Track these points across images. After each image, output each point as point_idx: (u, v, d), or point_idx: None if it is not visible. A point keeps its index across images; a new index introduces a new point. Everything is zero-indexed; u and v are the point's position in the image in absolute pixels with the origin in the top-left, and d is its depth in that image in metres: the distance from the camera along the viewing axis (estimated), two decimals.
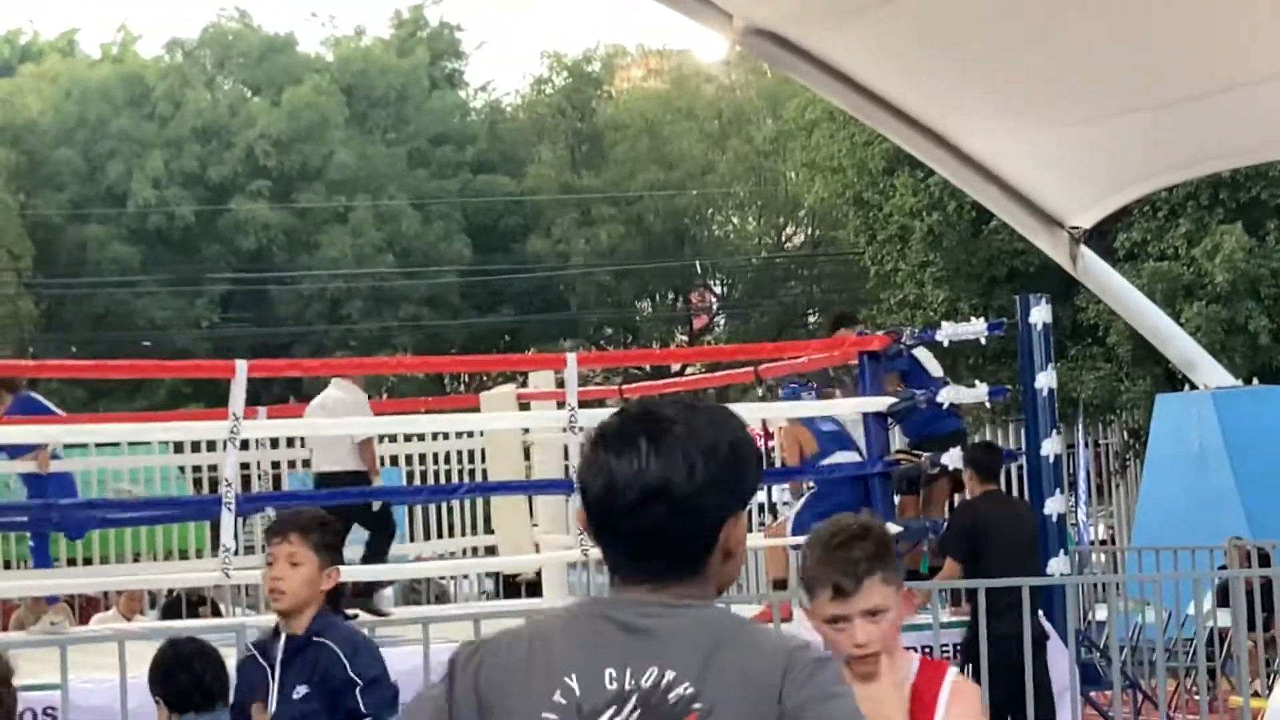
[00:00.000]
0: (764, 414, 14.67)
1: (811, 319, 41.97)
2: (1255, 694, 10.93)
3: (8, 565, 15.07)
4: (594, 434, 2.79)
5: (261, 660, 5.91)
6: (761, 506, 22.73)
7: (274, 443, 15.78)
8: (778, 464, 14.32)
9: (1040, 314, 11.65)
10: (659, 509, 2.69)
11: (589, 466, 2.77)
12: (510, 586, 19.95)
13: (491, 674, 2.73)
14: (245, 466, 14.08)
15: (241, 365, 11.04)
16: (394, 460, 19.56)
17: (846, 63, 16.16)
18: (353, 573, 14.82)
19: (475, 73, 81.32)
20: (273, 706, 5.81)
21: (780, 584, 12.45)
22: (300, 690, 5.80)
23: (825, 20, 15.41)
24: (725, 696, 2.63)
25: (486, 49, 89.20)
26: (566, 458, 13.01)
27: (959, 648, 10.76)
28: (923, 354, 12.91)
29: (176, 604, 18.34)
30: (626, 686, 2.66)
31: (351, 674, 5.85)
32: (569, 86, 44.34)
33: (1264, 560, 13.83)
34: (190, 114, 40.43)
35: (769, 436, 16.81)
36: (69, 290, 39.52)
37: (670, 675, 2.64)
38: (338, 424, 12.52)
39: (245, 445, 12.03)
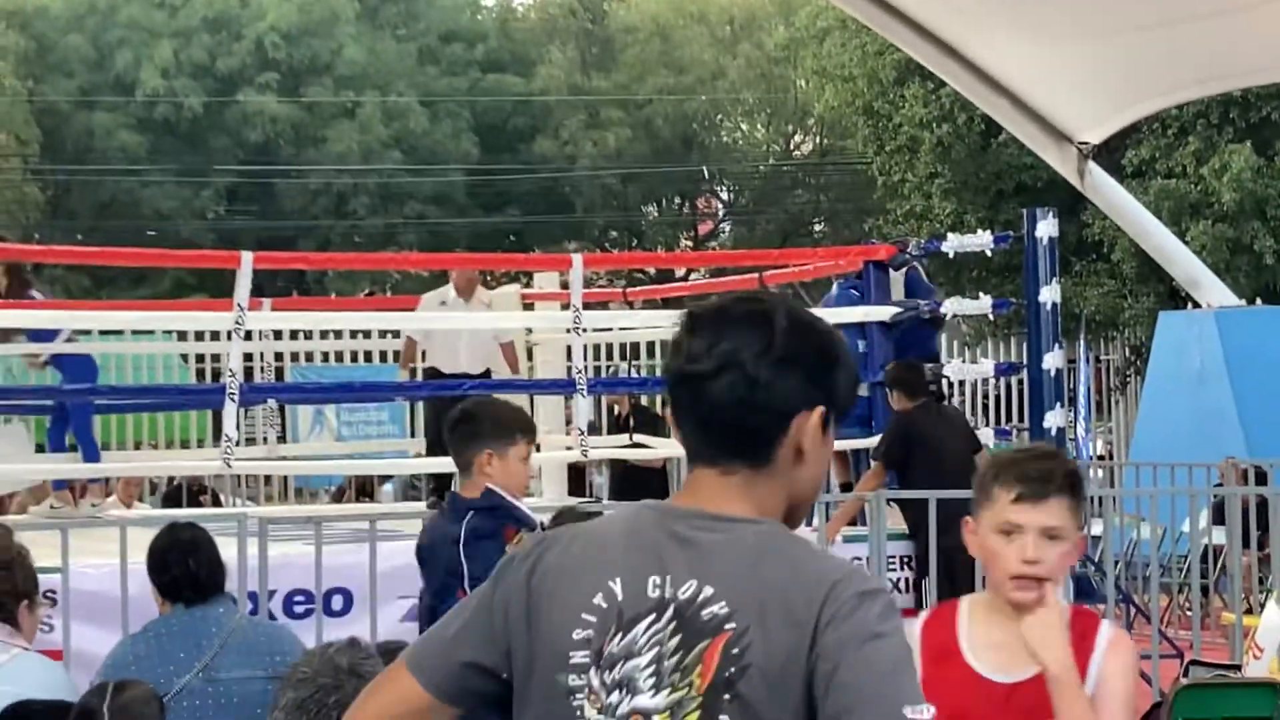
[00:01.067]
0: None
1: (818, 228, 41.94)
2: (1248, 611, 11.00)
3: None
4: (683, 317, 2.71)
5: None
6: None
7: (277, 335, 15.83)
8: None
9: (1046, 228, 11.64)
10: (727, 379, 2.59)
11: (672, 346, 2.69)
12: None
13: (545, 573, 2.66)
14: (248, 358, 14.09)
15: (247, 256, 11.06)
16: (396, 357, 19.65)
17: None
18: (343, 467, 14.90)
19: None
20: None
21: None
22: None
23: None
24: (760, 622, 2.52)
25: None
26: (569, 358, 13.04)
27: (908, 561, 10.64)
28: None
29: (177, 492, 18.47)
30: (666, 595, 2.57)
31: None
32: None
33: (1260, 479, 13.88)
34: (200, 4, 40.19)
35: None
36: (75, 177, 39.44)
37: (708, 591, 2.55)
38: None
39: (249, 336, 12.04)
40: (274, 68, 39.97)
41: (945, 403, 12.56)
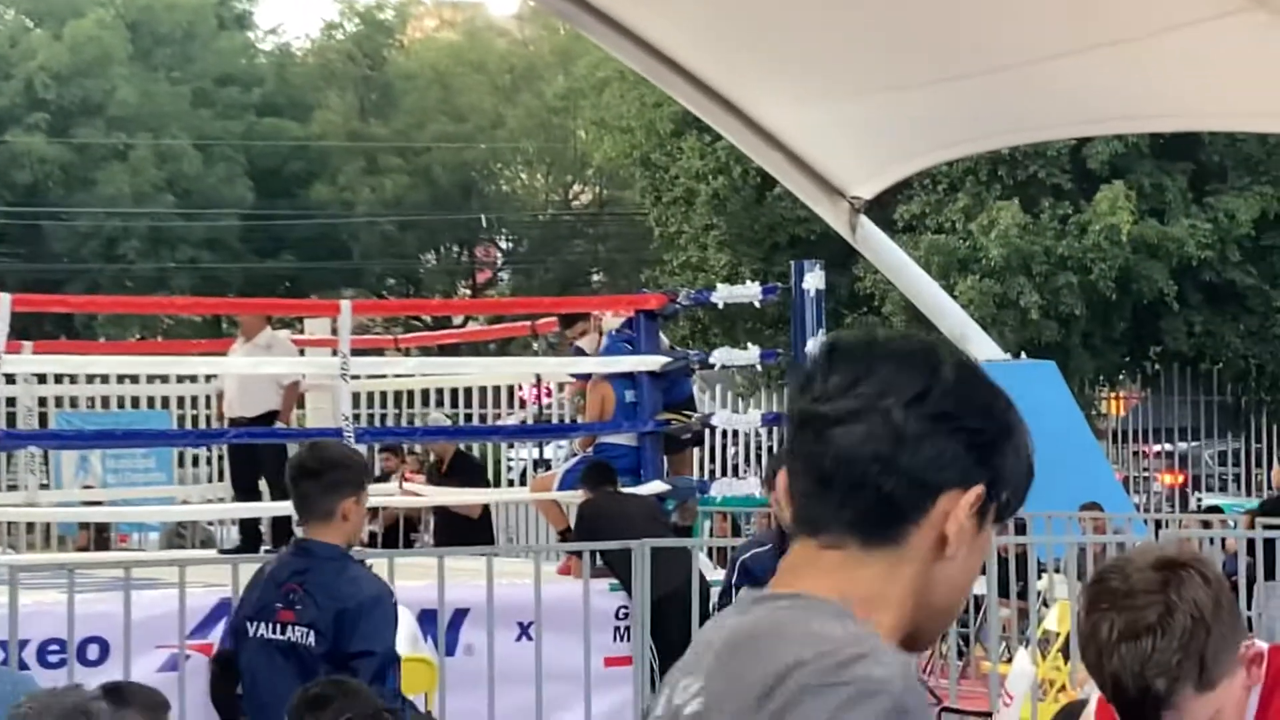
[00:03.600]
0: (539, 368, 14.69)
1: (596, 277, 42.09)
2: (1006, 661, 11.17)
3: None
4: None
5: None
6: (536, 463, 22.80)
7: (41, 379, 15.49)
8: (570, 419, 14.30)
9: (814, 280, 11.77)
10: (865, 426, 2.04)
11: (800, 380, 2.15)
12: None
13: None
14: (11, 402, 13.77)
15: (4, 298, 10.79)
16: (164, 402, 19.31)
17: (638, 23, 16.19)
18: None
19: (265, 15, 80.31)
20: None
21: (565, 535, 12.48)
22: None
23: None
24: (719, 706, 2.00)
25: None
26: (339, 404, 12.90)
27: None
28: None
29: None
30: (676, 700, 2.06)
31: None
32: (360, 33, 43.91)
33: (1020, 529, 14.12)
34: None
35: (546, 393, 16.82)
36: None
37: (695, 686, 2.03)
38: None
39: (11, 380, 11.76)
40: (44, 108, 39.24)
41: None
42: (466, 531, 13.92)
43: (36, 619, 8.55)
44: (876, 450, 2.02)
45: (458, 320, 36.15)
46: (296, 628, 5.87)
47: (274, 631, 5.94)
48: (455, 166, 41.89)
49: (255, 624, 6.00)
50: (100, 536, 17.16)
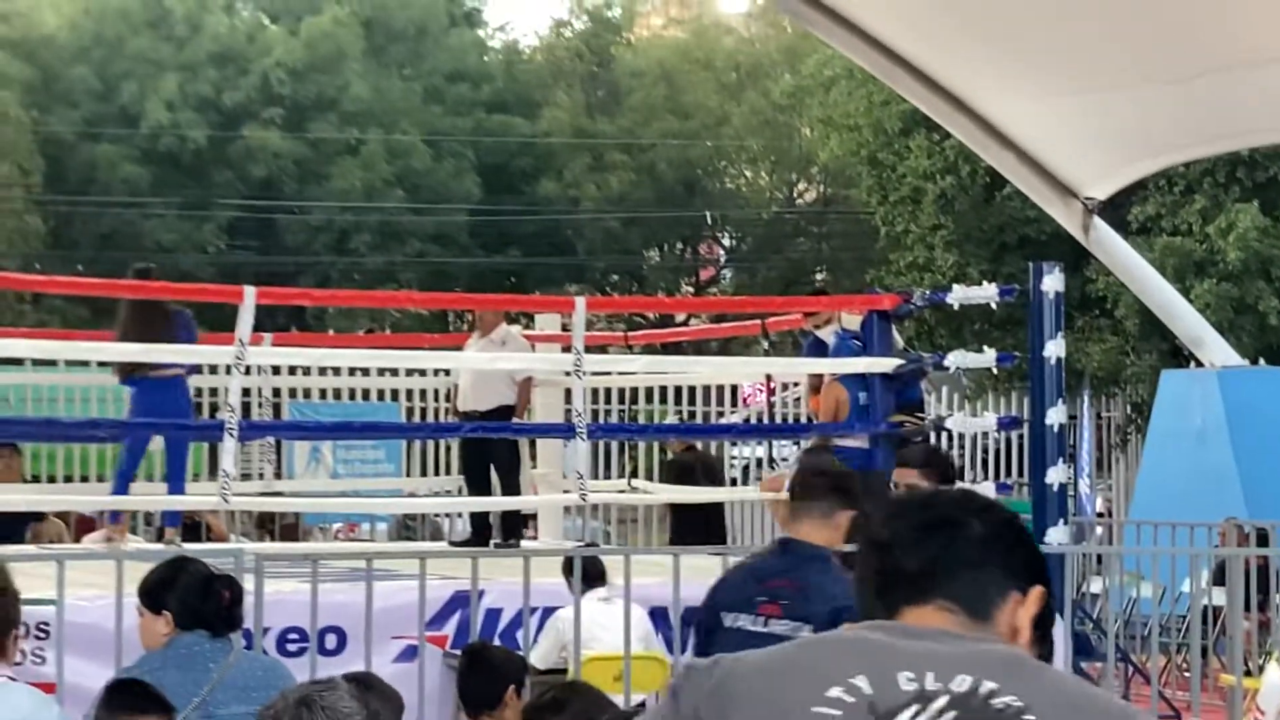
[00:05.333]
0: (771, 368, 14.67)
1: (819, 276, 41.91)
2: (1248, 673, 10.92)
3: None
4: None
5: None
6: (760, 461, 22.78)
7: (275, 370, 15.78)
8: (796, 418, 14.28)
9: (1053, 282, 11.58)
10: (977, 524, 2.58)
11: (872, 546, 2.62)
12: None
13: (738, 680, 2.40)
14: (246, 393, 14.04)
15: (249, 291, 10.99)
16: (394, 395, 19.59)
17: (869, 21, 16.07)
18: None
19: (494, 12, 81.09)
20: None
21: None
22: None
23: None
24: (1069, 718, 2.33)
25: None
26: (568, 401, 13.00)
27: None
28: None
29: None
30: (929, 687, 2.32)
31: None
32: (588, 31, 44.19)
33: (1262, 540, 13.81)
34: (207, 38, 40.27)
35: (771, 391, 16.78)
36: (77, 209, 39.42)
37: (990, 685, 2.32)
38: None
39: (248, 371, 11.97)
40: (279, 103, 40.01)
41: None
42: (700, 523, 14.09)
43: (278, 607, 8.68)
44: (980, 541, 2.58)
45: (680, 317, 36.23)
46: (782, 621, 5.94)
47: (756, 624, 6.01)
48: (680, 164, 41.97)
49: (734, 615, 6.09)
50: (287, 526, 17.49)
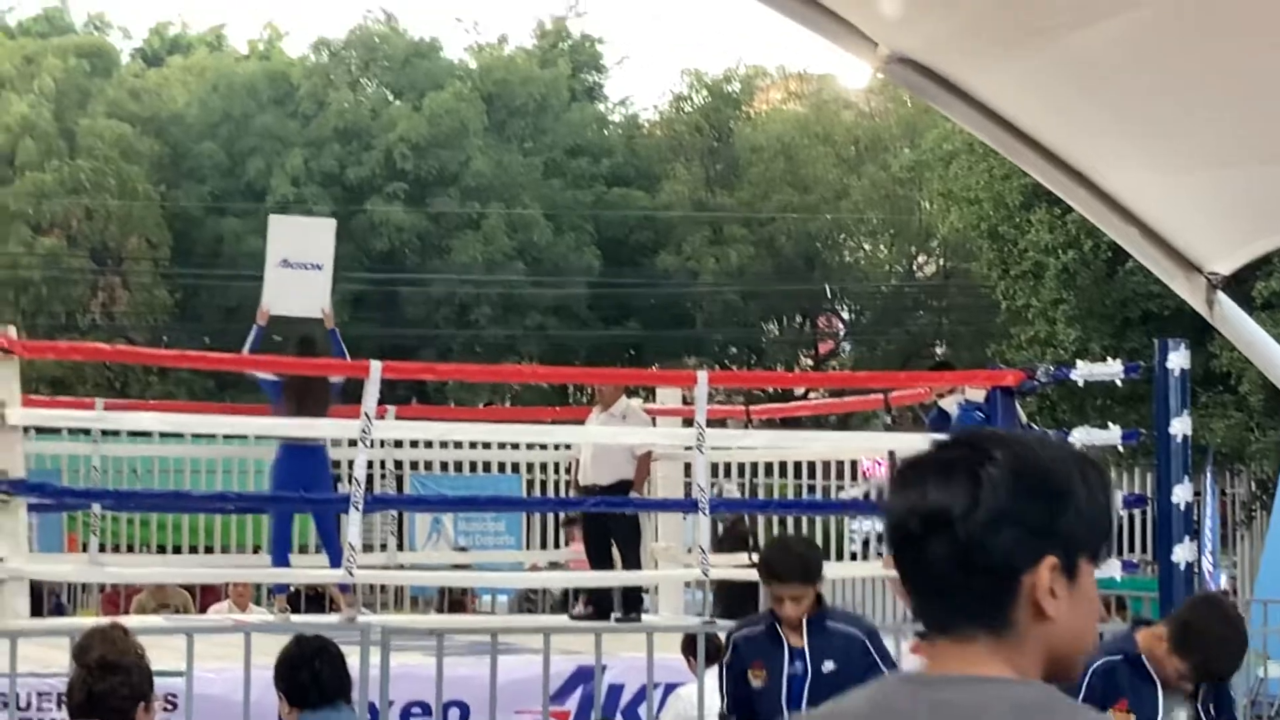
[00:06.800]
0: (893, 444, 14.61)
1: (938, 350, 41.75)
2: None
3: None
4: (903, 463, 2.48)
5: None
6: (880, 536, 22.65)
7: (397, 443, 15.91)
8: None
9: (1178, 359, 11.53)
10: (938, 543, 2.35)
11: (886, 501, 2.47)
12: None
13: None
14: (369, 465, 14.18)
15: (376, 365, 11.13)
16: (515, 467, 19.69)
17: (991, 96, 15.98)
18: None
19: (615, 86, 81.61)
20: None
21: None
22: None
23: (974, 52, 15.24)
24: None
25: (627, 64, 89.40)
26: (688, 474, 13.03)
27: None
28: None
29: (295, 598, 18.52)
30: None
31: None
32: (708, 105, 44.39)
33: None
34: (332, 114, 40.81)
35: (893, 465, 16.71)
36: (203, 281, 39.98)
37: None
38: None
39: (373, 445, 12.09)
40: (402, 178, 40.43)
41: None
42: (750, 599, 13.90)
43: (403, 681, 8.75)
44: (954, 560, 2.35)
45: (799, 391, 36.14)
46: None
47: None
48: (799, 237, 42.02)
49: None
50: (455, 600, 17.55)
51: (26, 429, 11.70)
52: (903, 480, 2.42)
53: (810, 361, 44.28)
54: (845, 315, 45.82)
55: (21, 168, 37.99)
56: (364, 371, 11.19)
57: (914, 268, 44.80)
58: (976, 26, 14.63)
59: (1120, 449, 16.32)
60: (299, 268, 12.92)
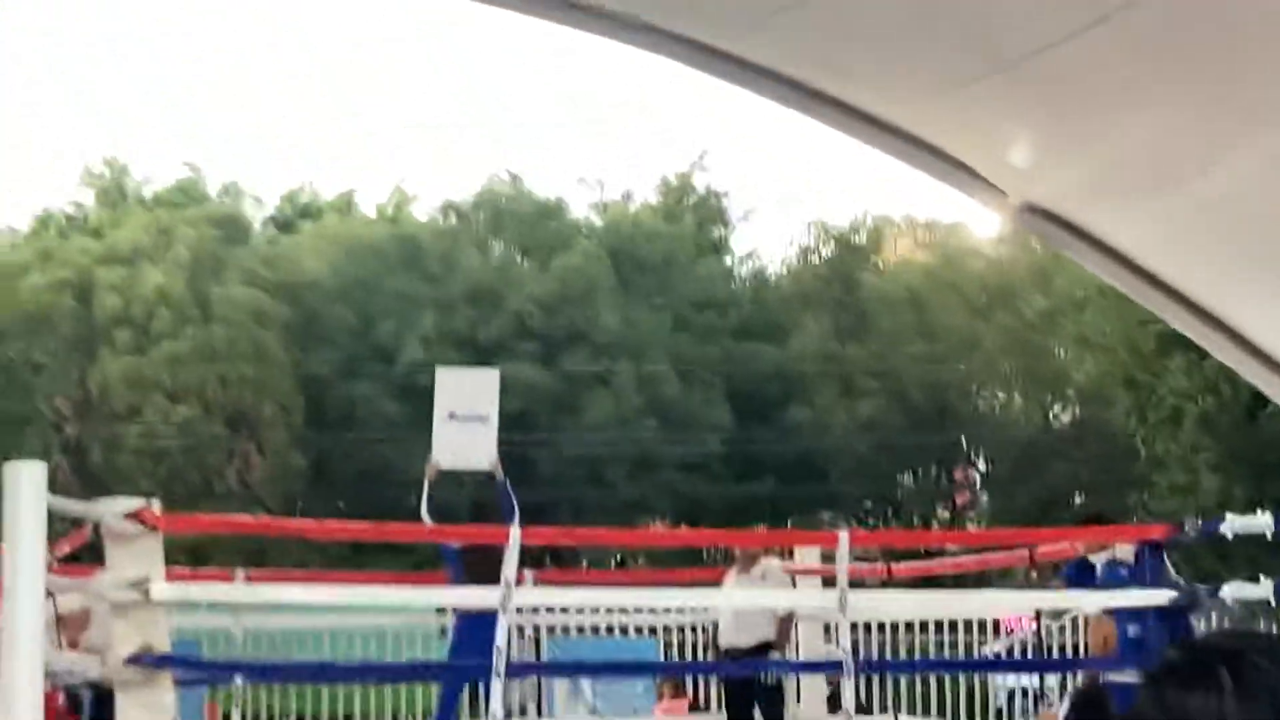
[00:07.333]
0: (1040, 602, 14.36)
1: (1078, 500, 41.21)
2: None
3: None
4: (1157, 667, 2.44)
5: None
6: (1025, 691, 22.23)
7: (535, 608, 15.81)
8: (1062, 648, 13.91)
9: None
10: None
11: (1153, 702, 2.42)
12: None
13: None
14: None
15: (515, 532, 11.04)
16: (651, 630, 19.50)
17: (1124, 242, 15.83)
18: None
19: (741, 239, 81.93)
20: None
21: None
22: None
23: (1106, 200, 15.16)
24: None
25: (752, 216, 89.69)
26: (828, 634, 12.84)
27: None
28: None
29: None
30: None
31: None
32: (835, 257, 44.43)
33: None
34: (462, 275, 41.20)
35: (1030, 620, 16.40)
36: (336, 445, 40.27)
37: None
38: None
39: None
40: (532, 337, 40.66)
41: None
42: None
43: None
44: None
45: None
46: None
47: None
48: (930, 387, 41.78)
49: None
50: None
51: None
52: (1179, 683, 2.41)
53: (947, 514, 43.85)
54: (981, 465, 45.40)
55: (157, 336, 38.59)
56: (503, 538, 11.11)
57: (1049, 416, 44.37)
58: (1107, 174, 14.52)
59: (1272, 602, 15.92)
60: (466, 420, 12.93)
